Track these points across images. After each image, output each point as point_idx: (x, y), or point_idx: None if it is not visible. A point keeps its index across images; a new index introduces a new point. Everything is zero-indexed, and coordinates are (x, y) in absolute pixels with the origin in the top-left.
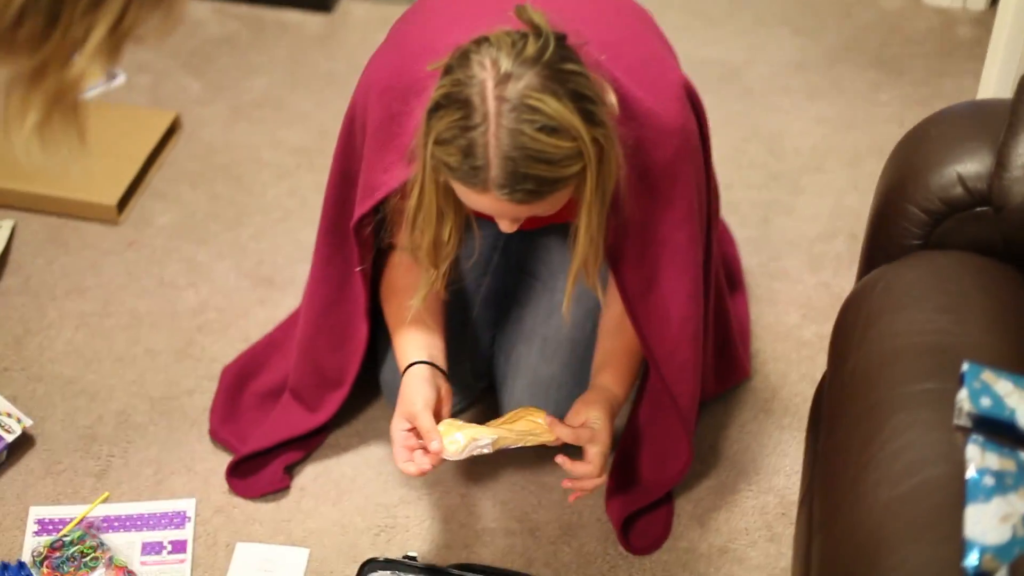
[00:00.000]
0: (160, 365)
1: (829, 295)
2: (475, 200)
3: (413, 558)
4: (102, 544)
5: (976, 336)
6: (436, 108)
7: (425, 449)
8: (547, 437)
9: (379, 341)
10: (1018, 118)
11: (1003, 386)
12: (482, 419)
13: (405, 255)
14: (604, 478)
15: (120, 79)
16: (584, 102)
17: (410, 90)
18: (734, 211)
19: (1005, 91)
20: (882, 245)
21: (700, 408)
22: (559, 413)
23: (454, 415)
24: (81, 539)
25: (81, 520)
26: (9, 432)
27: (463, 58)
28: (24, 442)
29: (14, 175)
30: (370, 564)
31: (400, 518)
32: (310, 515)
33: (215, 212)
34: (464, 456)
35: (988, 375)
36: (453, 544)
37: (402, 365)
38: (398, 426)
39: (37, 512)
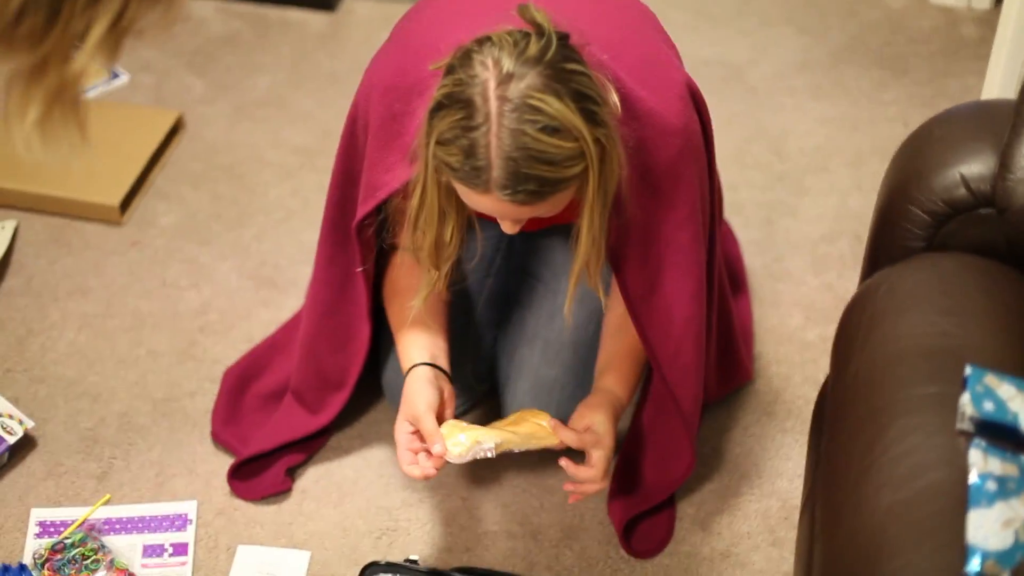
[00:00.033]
0: (162, 366)
1: (833, 297)
2: (477, 201)
3: (415, 561)
4: (103, 546)
5: (979, 339)
6: (438, 108)
7: (429, 452)
8: (551, 441)
9: (381, 343)
10: (1022, 119)
11: (1006, 390)
12: (484, 421)
13: (407, 255)
14: (607, 482)
15: (123, 78)
16: (586, 102)
17: (412, 90)
18: (738, 212)
19: (1010, 90)
20: (886, 247)
21: (703, 411)
22: (561, 415)
23: (457, 417)
24: (82, 541)
25: (82, 522)
26: (11, 434)
27: (465, 58)
28: (26, 444)
29: (16, 175)
30: (371, 567)
31: (402, 521)
32: (311, 518)
33: (218, 212)
34: (468, 459)
35: (991, 379)
36: (455, 547)
37: (405, 366)
38: (402, 429)
39: (38, 514)
